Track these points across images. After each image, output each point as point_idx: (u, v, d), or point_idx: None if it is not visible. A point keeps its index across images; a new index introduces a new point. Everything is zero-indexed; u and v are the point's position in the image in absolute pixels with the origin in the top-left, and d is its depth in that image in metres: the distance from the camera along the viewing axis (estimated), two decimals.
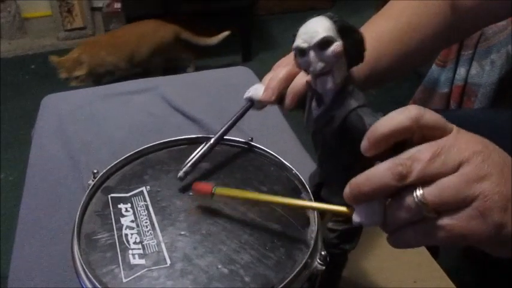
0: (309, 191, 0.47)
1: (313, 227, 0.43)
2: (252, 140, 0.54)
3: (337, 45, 0.36)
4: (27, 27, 2.72)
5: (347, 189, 0.34)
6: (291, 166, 0.51)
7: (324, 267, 0.40)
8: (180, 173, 0.48)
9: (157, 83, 1.00)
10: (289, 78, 0.49)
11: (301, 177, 0.49)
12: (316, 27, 0.36)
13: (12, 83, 2.30)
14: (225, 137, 0.53)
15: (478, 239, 0.32)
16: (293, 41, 0.38)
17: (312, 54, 0.37)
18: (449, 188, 0.31)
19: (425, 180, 0.32)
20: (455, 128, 0.34)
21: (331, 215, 0.45)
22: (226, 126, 0.51)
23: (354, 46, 0.37)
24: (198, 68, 1.08)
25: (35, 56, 2.55)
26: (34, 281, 0.58)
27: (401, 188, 0.32)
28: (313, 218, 0.44)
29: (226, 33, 2.24)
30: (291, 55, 0.49)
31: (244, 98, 0.51)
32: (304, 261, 0.39)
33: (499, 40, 1.27)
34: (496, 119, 0.87)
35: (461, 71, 1.37)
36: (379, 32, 0.58)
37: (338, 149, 0.41)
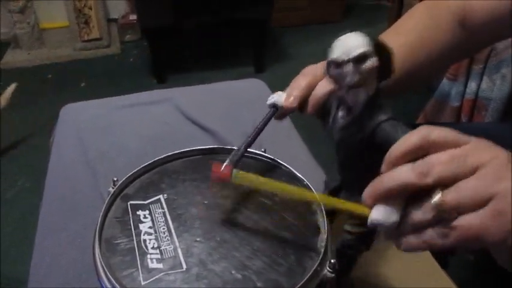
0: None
1: (323, 235, 0.45)
2: (265, 151, 0.56)
3: (373, 61, 0.39)
4: (45, 37, 2.79)
5: (368, 188, 0.36)
6: (302, 177, 0.53)
7: (333, 275, 0.41)
8: (226, 164, 0.47)
9: (172, 94, 1.02)
10: (311, 87, 0.51)
11: (312, 188, 0.51)
12: (356, 42, 0.39)
13: (30, 92, 2.35)
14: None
15: (493, 240, 0.32)
16: (328, 53, 0.40)
17: (349, 67, 0.39)
18: (467, 189, 0.32)
19: (445, 182, 0.33)
20: (473, 138, 0.35)
21: (344, 218, 0.47)
22: (254, 133, 0.52)
23: (386, 62, 0.40)
24: (211, 80, 1.10)
25: (52, 66, 2.61)
26: (53, 283, 0.60)
27: (421, 190, 0.34)
28: (323, 226, 0.46)
29: (12, 87, 1.95)
30: (309, 68, 0.51)
31: (267, 104, 0.52)
32: (314, 268, 0.40)
33: (510, 55, 1.27)
34: (506, 133, 0.87)
35: (472, 85, 1.37)
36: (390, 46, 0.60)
37: (363, 156, 0.43)
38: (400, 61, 0.59)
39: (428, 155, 0.34)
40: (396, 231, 0.36)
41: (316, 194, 0.45)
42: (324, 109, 0.48)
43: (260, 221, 0.47)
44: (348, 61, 0.39)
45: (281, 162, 0.55)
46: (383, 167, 0.36)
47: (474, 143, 0.34)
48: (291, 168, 0.54)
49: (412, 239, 0.36)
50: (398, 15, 2.26)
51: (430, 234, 0.34)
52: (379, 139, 0.40)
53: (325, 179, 0.50)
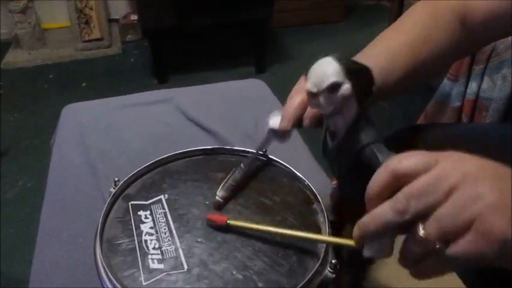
0: (320, 201, 0.49)
1: (324, 235, 0.45)
2: (266, 152, 0.56)
3: (345, 89, 0.38)
4: (47, 37, 2.79)
5: (356, 230, 0.37)
6: (303, 177, 0.53)
7: (334, 275, 0.41)
8: (218, 197, 0.49)
9: (173, 94, 1.03)
10: (305, 104, 0.51)
11: (312, 188, 0.51)
12: (325, 71, 0.38)
13: (31, 92, 2.36)
14: (240, 148, 0.56)
15: (490, 258, 0.32)
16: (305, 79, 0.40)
17: (321, 98, 0.39)
18: (446, 217, 0.32)
19: (424, 214, 0.33)
20: (441, 156, 0.34)
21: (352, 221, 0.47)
22: (253, 154, 0.54)
23: (362, 85, 0.39)
24: (212, 80, 1.10)
25: (53, 66, 2.61)
26: (55, 283, 0.60)
27: (409, 224, 0.34)
28: (324, 228, 0.46)
29: None
30: (303, 81, 0.51)
31: (267, 131, 0.52)
32: (315, 268, 0.41)
33: (511, 55, 1.27)
34: (507, 133, 0.87)
35: (473, 86, 1.37)
36: (390, 46, 0.59)
37: (354, 179, 0.43)
38: (401, 60, 0.59)
39: (404, 186, 0.34)
40: (402, 262, 0.36)
41: (312, 235, 0.45)
42: (321, 120, 0.48)
43: (261, 222, 0.47)
44: (319, 93, 0.39)
45: (282, 162, 0.55)
46: (366, 205, 0.36)
47: (443, 164, 0.34)
48: (292, 169, 0.54)
49: (418, 269, 0.36)
50: (398, 15, 2.24)
51: (431, 263, 0.34)
52: (364, 163, 0.40)
53: (331, 191, 0.50)
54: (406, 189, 0.34)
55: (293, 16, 3.01)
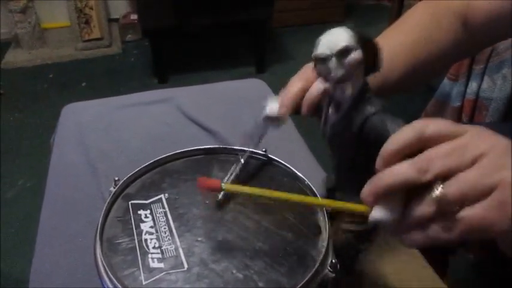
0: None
1: (324, 235, 0.45)
2: (266, 151, 0.56)
3: (357, 54, 0.38)
4: (46, 37, 2.79)
5: (367, 186, 0.36)
6: (303, 177, 0.53)
7: (334, 275, 0.41)
8: (220, 197, 0.49)
9: (173, 94, 1.02)
10: (304, 91, 0.51)
11: (313, 188, 0.51)
12: (339, 36, 0.39)
13: (31, 91, 2.36)
14: (239, 148, 0.56)
15: (498, 230, 0.32)
16: (313, 50, 0.40)
17: (333, 61, 0.39)
18: (468, 181, 0.32)
19: (446, 175, 0.33)
20: (472, 127, 0.35)
21: (343, 218, 0.47)
22: (252, 146, 0.54)
23: (372, 55, 0.40)
24: (212, 80, 1.11)
25: (53, 66, 2.62)
26: (55, 283, 0.60)
27: (423, 184, 0.34)
28: (324, 226, 0.46)
29: None
30: (305, 70, 0.52)
31: (262, 118, 0.53)
32: (315, 268, 0.41)
33: (511, 55, 1.27)
34: (507, 133, 0.87)
35: (473, 85, 1.37)
36: (391, 45, 0.60)
37: (356, 153, 0.43)
38: (401, 59, 0.59)
39: (426, 150, 0.34)
40: (399, 227, 0.36)
41: (314, 198, 0.45)
42: (318, 109, 0.48)
43: (262, 221, 0.47)
44: (332, 56, 0.39)
45: (282, 162, 0.55)
46: (378, 163, 0.36)
47: (472, 132, 0.34)
48: (292, 168, 0.54)
49: (416, 235, 0.35)
50: (398, 15, 2.25)
51: (434, 228, 0.34)
52: (369, 133, 0.40)
53: (323, 178, 0.50)
54: (432, 150, 0.33)
55: (293, 16, 3.01)
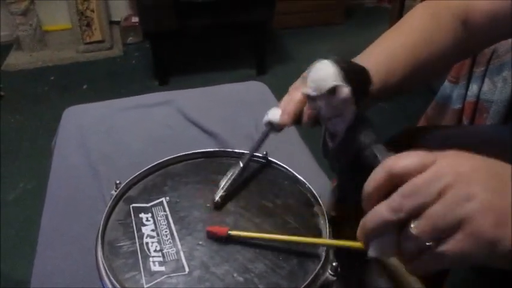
0: (321, 204, 0.49)
1: (326, 238, 0.45)
2: (266, 154, 0.57)
3: (345, 92, 0.38)
4: (48, 39, 2.80)
5: (358, 230, 0.37)
6: (304, 180, 0.53)
7: (335, 278, 0.41)
8: (217, 198, 0.49)
9: (174, 97, 1.03)
10: (305, 100, 0.51)
11: (313, 191, 0.51)
12: (324, 75, 0.38)
13: (32, 94, 2.36)
14: (241, 151, 0.56)
15: (479, 259, 0.33)
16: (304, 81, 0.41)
17: (321, 101, 0.39)
18: (436, 217, 0.33)
19: (417, 212, 0.33)
20: (438, 156, 0.35)
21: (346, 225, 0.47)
22: (251, 151, 0.54)
23: (360, 86, 0.40)
24: (213, 81, 1.11)
25: (54, 68, 2.62)
26: (56, 285, 0.61)
27: (404, 222, 0.34)
28: (325, 230, 0.46)
29: None
30: (305, 77, 0.52)
31: (263, 123, 0.53)
32: (315, 271, 0.41)
33: (511, 57, 1.27)
34: (507, 135, 0.87)
35: (474, 88, 1.37)
36: (391, 47, 0.60)
37: (354, 177, 0.43)
38: (401, 61, 0.59)
39: (399, 187, 0.35)
40: (399, 258, 0.37)
41: (316, 240, 0.45)
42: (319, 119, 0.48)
43: (262, 224, 0.47)
44: (319, 97, 0.39)
45: (283, 165, 0.56)
46: (363, 205, 0.37)
47: (439, 163, 0.34)
48: (293, 171, 0.54)
49: (415, 264, 0.36)
50: (399, 17, 2.25)
51: (425, 259, 0.35)
52: (364, 162, 0.40)
53: (331, 187, 0.50)
54: (401, 189, 0.34)
55: (294, 18, 3.01)
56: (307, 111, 0.50)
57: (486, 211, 0.32)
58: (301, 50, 2.71)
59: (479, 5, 0.59)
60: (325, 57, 0.39)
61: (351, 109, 0.40)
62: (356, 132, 0.41)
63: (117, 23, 2.98)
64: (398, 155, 0.36)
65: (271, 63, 2.48)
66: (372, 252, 0.37)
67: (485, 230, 0.32)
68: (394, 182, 0.35)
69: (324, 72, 0.39)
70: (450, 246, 0.32)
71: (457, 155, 0.35)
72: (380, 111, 1.72)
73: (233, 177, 0.51)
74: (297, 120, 0.51)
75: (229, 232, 0.45)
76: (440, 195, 0.33)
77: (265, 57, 2.44)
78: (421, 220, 0.33)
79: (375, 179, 0.36)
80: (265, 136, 0.53)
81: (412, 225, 0.33)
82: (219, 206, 0.49)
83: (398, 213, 0.34)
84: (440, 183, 0.33)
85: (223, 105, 1.00)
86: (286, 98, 0.52)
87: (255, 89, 1.08)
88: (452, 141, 0.69)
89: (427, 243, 0.33)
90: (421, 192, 0.33)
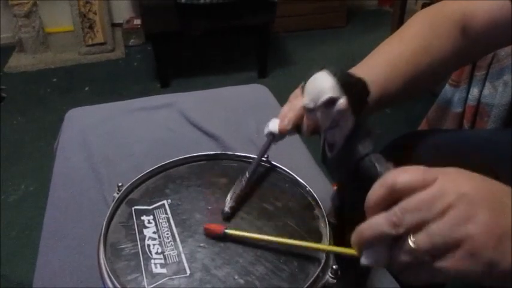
0: (322, 207, 0.49)
1: (325, 242, 0.45)
2: (267, 158, 0.57)
3: (342, 103, 0.39)
4: (50, 42, 2.81)
5: (353, 236, 0.37)
6: (304, 183, 0.53)
7: (335, 281, 0.42)
8: (226, 209, 0.49)
9: (176, 99, 1.03)
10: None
11: (314, 194, 0.51)
12: (321, 87, 0.39)
13: (34, 95, 2.37)
14: (242, 154, 0.56)
15: (476, 277, 0.33)
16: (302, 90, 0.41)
17: (318, 113, 0.39)
18: (437, 234, 0.33)
19: (416, 228, 0.34)
20: (440, 173, 0.35)
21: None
22: (255, 163, 0.54)
23: (357, 97, 0.40)
24: (214, 84, 1.11)
25: (56, 70, 2.62)
26: (58, 287, 0.61)
27: (400, 235, 0.35)
28: (326, 233, 0.46)
29: None
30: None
31: (265, 134, 0.53)
32: (316, 274, 0.41)
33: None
34: (508, 139, 0.88)
35: (474, 92, 1.37)
36: (391, 55, 0.60)
37: (353, 186, 0.43)
38: (401, 70, 0.59)
39: (400, 200, 0.35)
40: (392, 268, 0.37)
41: (312, 244, 0.45)
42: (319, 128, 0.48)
43: (263, 227, 0.48)
44: (316, 108, 0.39)
45: (284, 168, 0.56)
46: (366, 213, 0.37)
47: (441, 180, 0.34)
48: (294, 175, 0.55)
49: (409, 276, 0.36)
50: (400, 20, 2.26)
51: (419, 272, 0.35)
52: (363, 172, 0.40)
53: (332, 193, 0.51)
54: (403, 204, 0.35)
55: (295, 21, 3.02)
56: (306, 122, 0.50)
57: (486, 232, 0.32)
58: (302, 53, 2.71)
59: (479, 13, 0.59)
60: (322, 68, 0.40)
61: (348, 120, 0.40)
62: (354, 143, 0.41)
63: (119, 25, 2.99)
64: (399, 169, 0.36)
65: (273, 66, 2.49)
66: (364, 261, 0.37)
67: (484, 250, 0.32)
68: (394, 197, 0.35)
69: (321, 84, 0.39)
70: (448, 263, 0.33)
71: (458, 174, 0.36)
72: (381, 115, 1.73)
73: (240, 188, 0.51)
74: (296, 128, 0.52)
75: (226, 231, 0.45)
76: (442, 213, 0.33)
77: (267, 60, 2.45)
78: (421, 236, 0.34)
79: (375, 193, 0.36)
80: (266, 148, 0.54)
81: (411, 240, 0.34)
82: (229, 217, 0.49)
83: (398, 228, 0.34)
84: (444, 201, 0.33)
85: (224, 108, 1.01)
86: (286, 107, 0.52)
87: (256, 91, 1.09)
88: (453, 145, 0.69)
89: (424, 258, 0.34)
90: (424, 209, 0.34)
